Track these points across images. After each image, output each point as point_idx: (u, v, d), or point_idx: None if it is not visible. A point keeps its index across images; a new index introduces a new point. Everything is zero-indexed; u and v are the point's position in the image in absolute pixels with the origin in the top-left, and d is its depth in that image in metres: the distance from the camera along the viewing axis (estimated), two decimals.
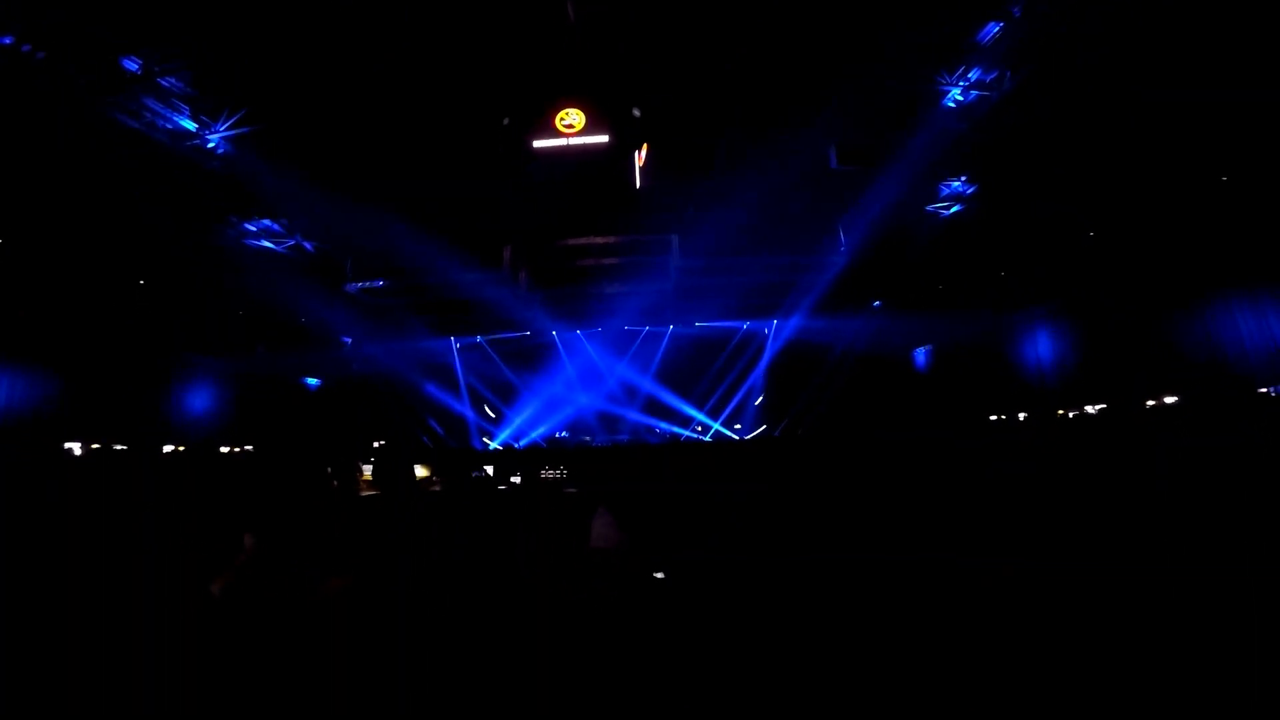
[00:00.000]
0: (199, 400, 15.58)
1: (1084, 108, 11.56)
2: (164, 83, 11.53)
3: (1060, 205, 13.79)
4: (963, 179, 15.00)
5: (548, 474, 16.84)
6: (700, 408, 20.26)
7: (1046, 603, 4.96)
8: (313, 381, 19.01)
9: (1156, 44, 9.86)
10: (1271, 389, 10.55)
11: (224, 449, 15.76)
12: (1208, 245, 11.47)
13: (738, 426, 20.46)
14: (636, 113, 14.71)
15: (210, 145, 12.89)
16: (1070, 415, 14.15)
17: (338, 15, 11.42)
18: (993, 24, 11.10)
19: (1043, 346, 15.20)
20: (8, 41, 9.36)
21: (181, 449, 14.62)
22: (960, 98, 12.47)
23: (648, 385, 20.25)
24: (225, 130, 12.67)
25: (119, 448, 13.89)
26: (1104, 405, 13.36)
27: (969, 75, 12.00)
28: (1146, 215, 12.58)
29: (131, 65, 11.00)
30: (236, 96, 12.38)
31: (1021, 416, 15.59)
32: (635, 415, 20.27)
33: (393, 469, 15.03)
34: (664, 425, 20.19)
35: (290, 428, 17.01)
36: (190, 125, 12.47)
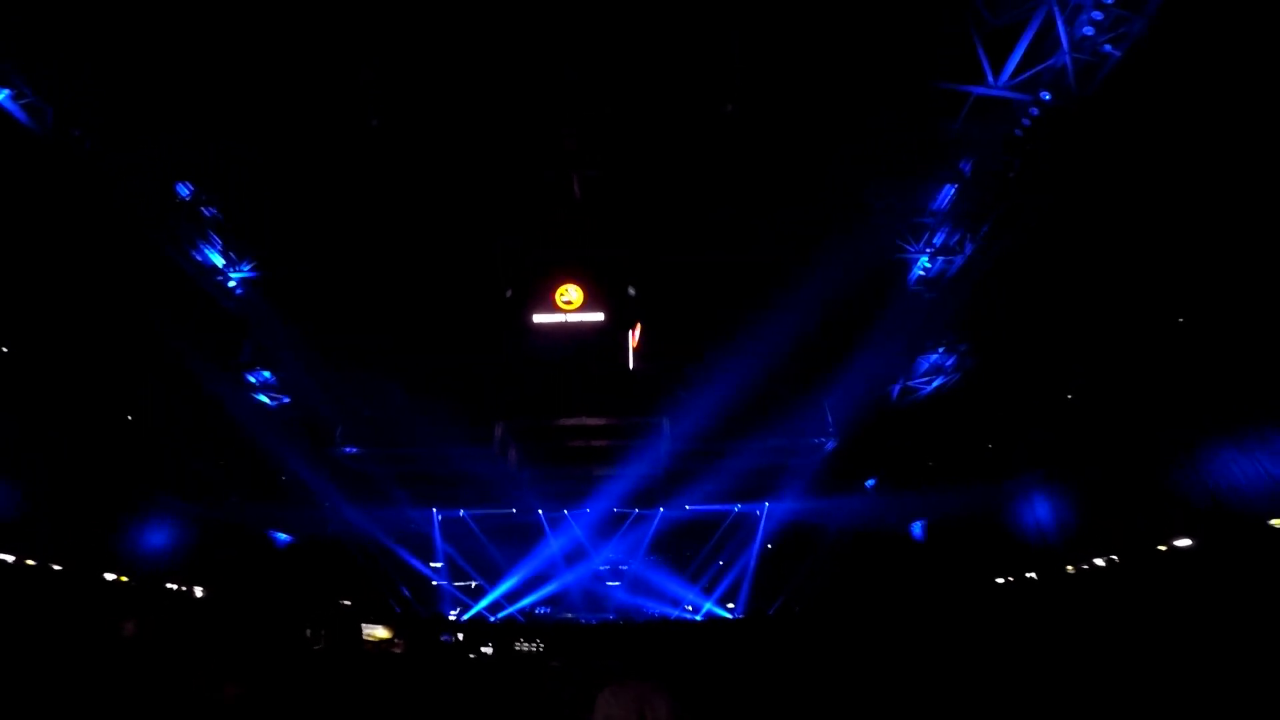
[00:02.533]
0: (157, 536, 14.81)
1: (1039, 261, 11.85)
2: (205, 212, 11.91)
3: (1037, 368, 13.92)
4: (940, 350, 15.28)
5: (523, 646, 15.79)
6: (692, 587, 19.38)
7: None
8: (283, 537, 18.19)
9: (1097, 183, 10.31)
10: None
11: (171, 585, 14.84)
12: (1183, 391, 11.39)
13: (730, 606, 19.46)
14: (632, 291, 15.05)
15: (231, 284, 13.11)
16: (1079, 569, 13.65)
17: (362, 182, 12.07)
18: (949, 186, 11.88)
19: (1040, 509, 14.89)
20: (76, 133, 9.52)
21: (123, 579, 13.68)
22: (928, 265, 13.00)
23: (637, 566, 19.49)
24: (248, 271, 12.94)
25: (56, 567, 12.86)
26: (1114, 557, 12.86)
27: (934, 241, 12.53)
28: (1118, 368, 12.62)
29: (183, 191, 11.45)
30: (264, 239, 12.72)
31: (1030, 575, 15.03)
32: (623, 595, 19.33)
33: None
34: (653, 605, 19.18)
35: (252, 579, 16.07)
36: (219, 260, 12.70)
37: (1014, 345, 13.79)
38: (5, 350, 11.35)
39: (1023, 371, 14.12)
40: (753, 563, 19.38)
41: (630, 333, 15.57)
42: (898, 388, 16.17)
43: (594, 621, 18.49)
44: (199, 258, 12.47)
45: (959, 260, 12.47)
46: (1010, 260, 11.96)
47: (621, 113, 11.08)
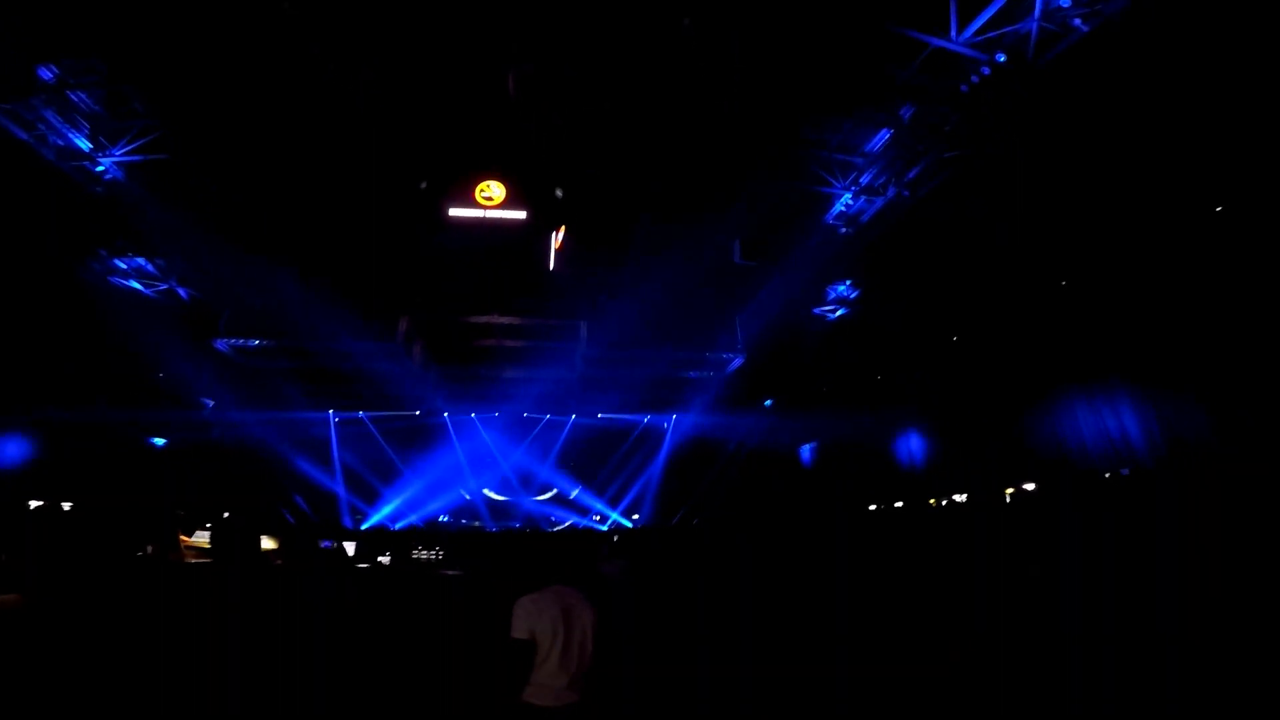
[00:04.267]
0: (11, 448, 13.23)
1: (949, 212, 12.56)
2: (73, 96, 10.60)
3: (927, 311, 15.21)
4: (848, 283, 16.20)
5: (420, 554, 15.48)
6: (600, 497, 19.73)
7: None
8: (159, 441, 16.71)
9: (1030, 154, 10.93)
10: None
11: (33, 503, 13.31)
12: (1050, 347, 12.90)
13: (635, 516, 20.04)
14: (559, 193, 14.89)
15: (99, 169, 11.78)
16: (941, 504, 15.19)
17: (265, 53, 11.06)
18: (885, 131, 12.18)
19: (914, 444, 16.40)
20: None
21: None
22: (850, 202, 13.50)
23: (545, 473, 19.56)
24: (121, 155, 11.63)
25: None
26: (967, 494, 14.46)
27: (861, 180, 12.95)
28: (996, 321, 14.06)
29: (46, 74, 10.08)
30: (143, 121, 11.47)
31: (898, 505, 16.52)
32: (530, 503, 19.38)
33: (231, 537, 13.32)
34: (561, 513, 19.38)
35: (127, 489, 14.68)
36: (85, 145, 11.37)
37: (911, 287, 14.78)
38: None
39: (914, 313, 15.29)
40: (658, 475, 20.01)
41: (554, 234, 15.48)
42: (804, 313, 16.96)
43: (497, 530, 18.41)
44: (60, 142, 11.16)
45: (879, 202, 13.02)
46: (924, 208, 12.65)
47: (570, 9, 10.81)
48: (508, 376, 17.29)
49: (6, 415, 13.14)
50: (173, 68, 10.48)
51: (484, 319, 16.14)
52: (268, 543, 14.57)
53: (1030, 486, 12.85)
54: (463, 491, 19.02)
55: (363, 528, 17.92)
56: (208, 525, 13.23)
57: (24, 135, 10.50)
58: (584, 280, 15.56)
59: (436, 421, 19.10)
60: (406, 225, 14.33)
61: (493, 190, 14.52)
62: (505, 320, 16.25)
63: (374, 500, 18.59)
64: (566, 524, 19.17)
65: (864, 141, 12.37)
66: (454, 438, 19.21)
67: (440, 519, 18.77)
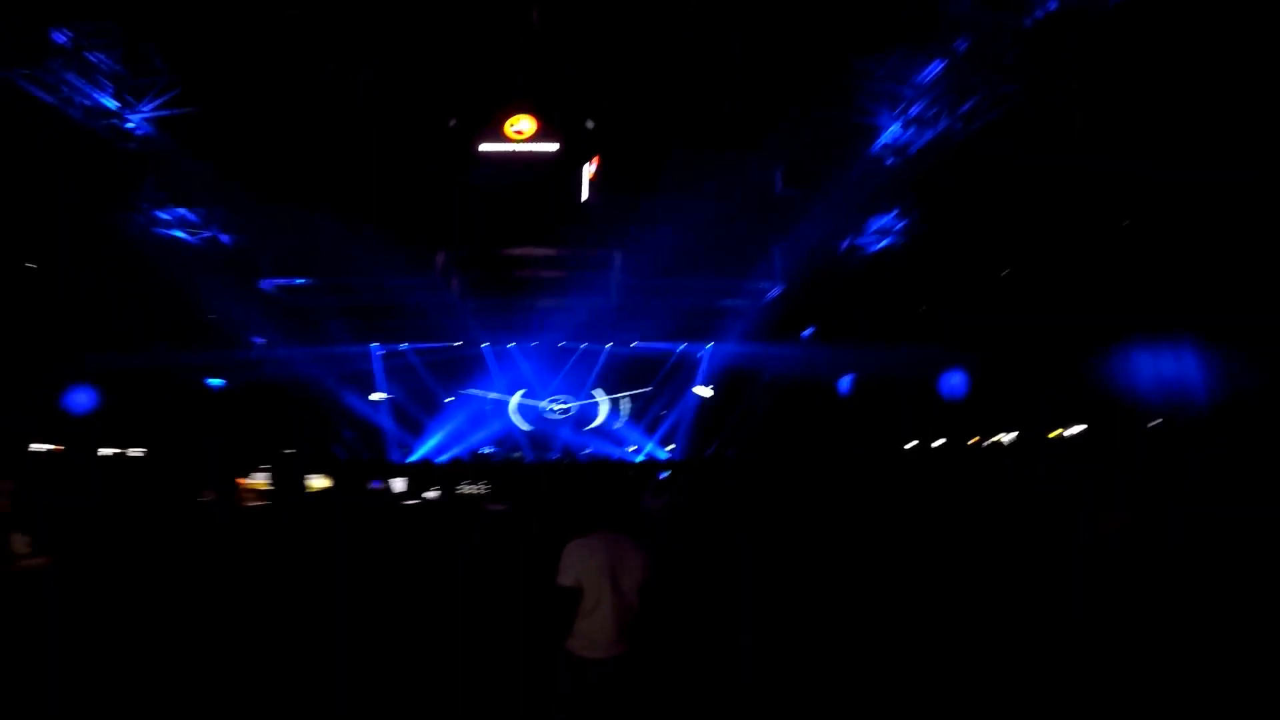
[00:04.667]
0: (85, 397, 13.95)
1: (1009, 150, 12.05)
2: (91, 57, 10.60)
3: (979, 244, 14.70)
4: (893, 214, 15.65)
5: (468, 489, 16.06)
6: (635, 427, 20.10)
7: None
8: (216, 383, 17.47)
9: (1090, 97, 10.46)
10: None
11: (105, 451, 14.15)
12: (1110, 288, 12.48)
13: (671, 447, 20.42)
14: (590, 124, 14.62)
15: (129, 125, 11.91)
16: (984, 443, 15.05)
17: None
18: (937, 62, 11.53)
19: (958, 380, 16.10)
20: None
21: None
22: (899, 133, 12.97)
23: (582, 403, 19.92)
24: (150, 111, 11.73)
25: None
26: (1015, 434, 14.29)
27: (910, 111, 12.43)
28: (1054, 259, 13.58)
29: (60, 38, 10.08)
30: (167, 78, 11.49)
31: (938, 443, 16.45)
32: (567, 433, 19.86)
33: (289, 479, 13.92)
34: (597, 443, 19.86)
35: (191, 432, 15.50)
36: (111, 104, 11.48)
37: (963, 219, 14.29)
38: None
39: (965, 245, 14.74)
40: (693, 405, 20.22)
41: (587, 165, 15.25)
42: (846, 243, 16.51)
43: (536, 460, 19.00)
44: (86, 103, 11.17)
45: (929, 134, 12.48)
46: (979, 141, 12.06)
47: None
48: (544, 306, 17.44)
49: (72, 364, 13.73)
50: (189, 21, 10.43)
51: (519, 251, 16.22)
52: (322, 481, 15.29)
53: (1077, 430, 12.65)
54: (513, 416, 19.47)
55: (407, 461, 18.65)
56: (264, 466, 13.74)
57: (49, 98, 10.58)
58: (618, 210, 15.43)
59: (475, 352, 19.43)
60: (439, 162, 14.27)
61: (523, 124, 14.32)
62: (540, 251, 16.31)
63: (419, 433, 19.26)
64: (600, 454, 19.59)
65: (914, 73, 11.76)
66: (493, 368, 19.59)
67: (482, 451, 19.38)
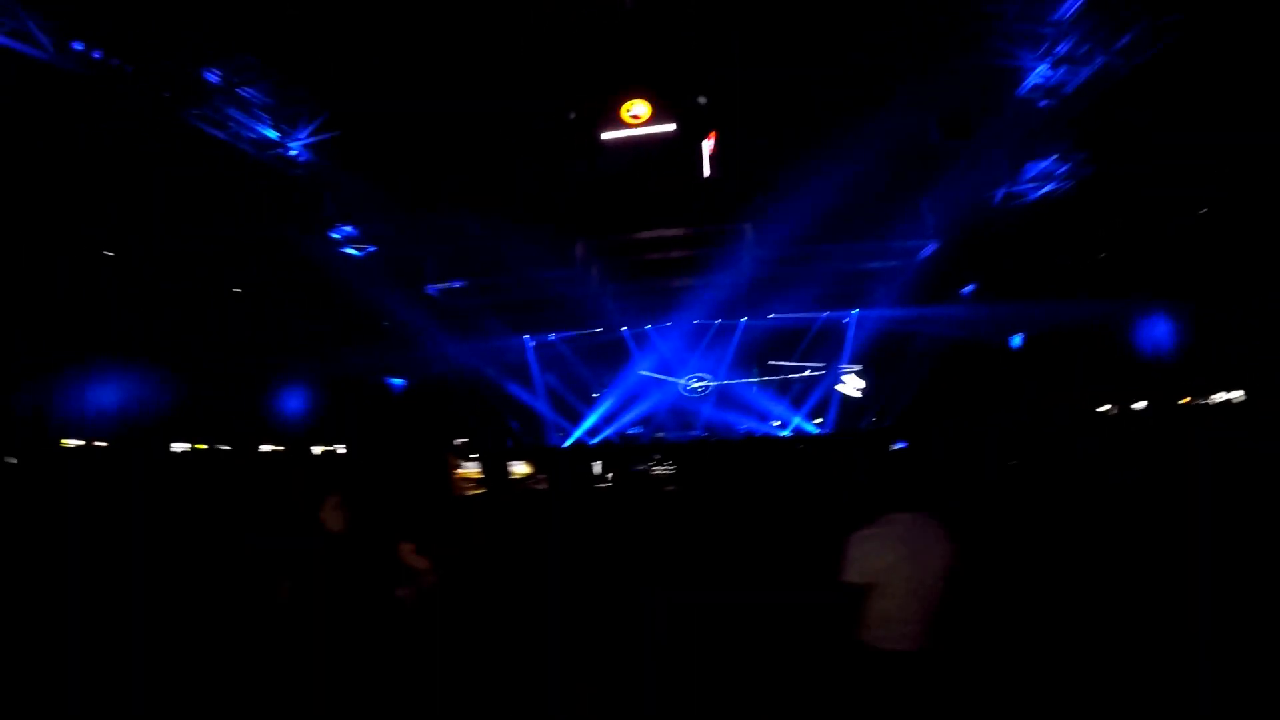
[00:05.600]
0: (293, 402, 16.39)
1: (1182, 78, 10.39)
2: (244, 93, 12.01)
3: (1165, 182, 12.42)
4: (1053, 158, 13.85)
5: (657, 469, 16.00)
6: (781, 399, 19.63)
7: None
8: (397, 382, 19.69)
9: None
10: None
11: (316, 449, 16.50)
12: None
13: (819, 420, 19.70)
14: (702, 100, 14.49)
15: (292, 153, 13.39)
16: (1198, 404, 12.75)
17: (407, 24, 11.70)
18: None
19: (1161, 331, 13.70)
20: (97, 56, 9.79)
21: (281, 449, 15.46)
22: (1049, 73, 11.67)
23: (722, 379, 19.80)
24: (306, 138, 13.15)
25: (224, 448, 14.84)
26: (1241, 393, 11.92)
27: (1056, 50, 11.17)
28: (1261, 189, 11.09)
29: (212, 77, 11.43)
30: (313, 105, 12.82)
31: (1139, 406, 14.19)
32: (710, 410, 19.88)
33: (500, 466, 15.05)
34: (741, 419, 19.67)
35: (378, 428, 17.64)
36: (273, 134, 12.97)
37: (1141, 157, 12.22)
38: None
39: (1148, 185, 12.52)
40: (838, 376, 19.28)
41: (705, 141, 15.11)
42: (1001, 192, 14.79)
43: (683, 438, 19.23)
44: (253, 135, 12.57)
45: (1085, 71, 11.22)
46: (1146, 74, 10.59)
47: None
48: (678, 285, 17.50)
49: (285, 372, 16.09)
50: (325, 48, 11.42)
51: (649, 234, 16.48)
52: (524, 468, 16.13)
53: None
54: (648, 402, 19.89)
55: (564, 445, 19.76)
56: (474, 455, 14.92)
57: (222, 135, 12.02)
58: (744, 184, 15.18)
59: (615, 337, 20.03)
60: (566, 155, 14.86)
61: (637, 108, 14.52)
62: (670, 232, 16.45)
63: (574, 418, 20.33)
64: (744, 431, 19.33)
65: (1048, 11, 10.70)
66: (634, 350, 20.08)
67: (630, 431, 20.00)
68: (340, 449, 17.18)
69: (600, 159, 15.02)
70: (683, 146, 14.84)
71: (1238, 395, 12.33)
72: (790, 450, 17.51)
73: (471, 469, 14.42)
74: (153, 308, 13.58)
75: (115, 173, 11.59)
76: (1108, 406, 15.05)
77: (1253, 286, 11.33)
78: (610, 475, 15.31)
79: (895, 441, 13.99)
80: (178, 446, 13.96)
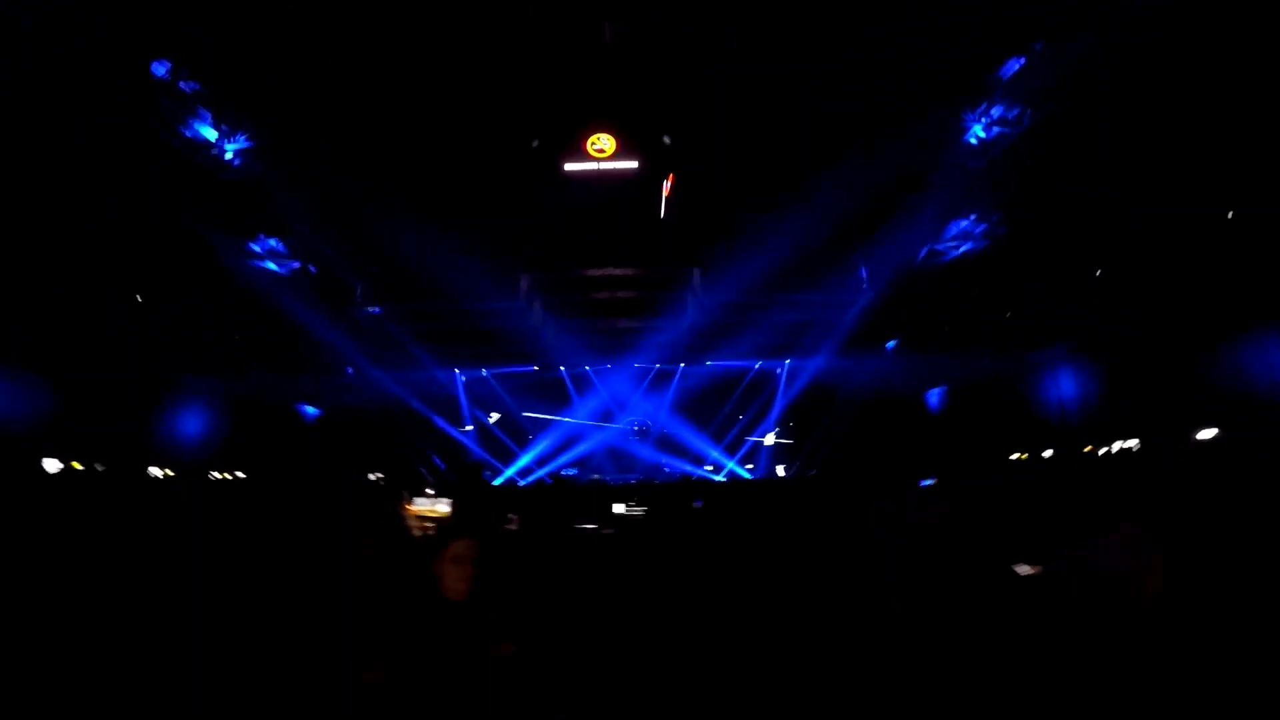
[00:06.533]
0: (190, 423, 14.57)
1: (1092, 142, 11.70)
2: (185, 88, 11.24)
3: (1068, 243, 13.99)
4: (972, 217, 15.12)
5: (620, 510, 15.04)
6: (716, 445, 19.78)
7: None
8: (311, 410, 18.05)
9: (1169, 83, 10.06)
10: None
11: (215, 474, 14.61)
12: (1228, 280, 11.57)
13: (750, 466, 19.98)
14: (667, 140, 14.83)
15: (227, 156, 12.55)
16: (1099, 452, 14.05)
17: (363, 30, 11.36)
18: (1014, 60, 11.52)
19: (1064, 384, 15.20)
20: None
21: (171, 474, 13.50)
22: (982, 134, 12.78)
23: (661, 423, 19.75)
24: (243, 141, 12.42)
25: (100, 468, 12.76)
26: (1136, 440, 13.27)
27: (991, 112, 12.32)
28: (1157, 251, 12.73)
29: (159, 70, 10.73)
30: (255, 107, 12.12)
31: (1046, 454, 15.45)
32: (648, 453, 19.67)
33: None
34: (677, 464, 19.58)
35: (286, 456, 15.94)
36: (211, 134, 12.13)
37: (1048, 219, 13.68)
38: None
39: (1053, 245, 14.06)
40: (771, 424, 19.77)
41: (665, 182, 15.41)
42: (924, 250, 16.07)
43: (619, 482, 18.81)
44: (189, 134, 11.85)
45: (1013, 132, 12.38)
46: (1062, 137, 11.79)
47: None
48: (622, 327, 17.46)
49: (184, 389, 14.35)
50: (256, 58, 11.03)
51: (599, 271, 16.38)
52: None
53: (1210, 433, 11.60)
54: (587, 443, 19.41)
55: (495, 483, 18.74)
56: (428, 491, 13.34)
57: (159, 128, 11.26)
58: (696, 228, 15.45)
59: (554, 376, 19.59)
60: (523, 184, 14.65)
61: (603, 142, 14.63)
62: (620, 271, 16.45)
63: (505, 457, 19.41)
64: (681, 474, 19.24)
65: (988, 71, 11.73)
66: (571, 390, 19.68)
67: (564, 473, 19.36)
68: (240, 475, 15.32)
69: (560, 190, 14.92)
70: (643, 185, 14.98)
71: (1133, 444, 13.70)
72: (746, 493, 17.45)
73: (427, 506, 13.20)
74: (33, 307, 11.80)
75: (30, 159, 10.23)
76: (1017, 455, 16.32)
77: (1149, 342, 12.83)
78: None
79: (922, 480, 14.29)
80: (51, 465, 11.87)
